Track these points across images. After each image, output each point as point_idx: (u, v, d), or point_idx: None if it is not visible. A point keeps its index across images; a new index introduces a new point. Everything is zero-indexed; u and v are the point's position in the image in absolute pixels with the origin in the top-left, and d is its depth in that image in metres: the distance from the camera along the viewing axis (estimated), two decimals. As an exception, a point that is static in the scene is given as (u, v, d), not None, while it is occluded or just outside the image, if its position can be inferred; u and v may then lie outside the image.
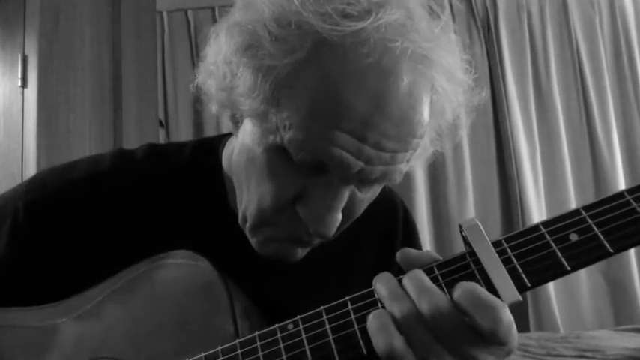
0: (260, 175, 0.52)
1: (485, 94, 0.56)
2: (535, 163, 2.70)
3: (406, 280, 0.43)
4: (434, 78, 0.48)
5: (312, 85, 0.45)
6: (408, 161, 0.51)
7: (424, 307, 0.40)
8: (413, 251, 0.46)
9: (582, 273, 2.58)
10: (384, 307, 0.43)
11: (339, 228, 0.52)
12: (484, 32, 2.81)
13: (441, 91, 0.50)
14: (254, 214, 0.53)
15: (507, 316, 0.39)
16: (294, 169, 0.49)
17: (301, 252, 0.56)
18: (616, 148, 2.68)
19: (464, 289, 0.40)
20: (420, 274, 0.43)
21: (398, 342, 0.40)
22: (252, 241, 0.56)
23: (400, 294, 0.42)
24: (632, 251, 2.56)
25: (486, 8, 2.82)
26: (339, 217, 0.51)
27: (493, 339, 0.39)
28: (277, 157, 0.49)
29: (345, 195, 0.50)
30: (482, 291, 0.40)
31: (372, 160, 0.47)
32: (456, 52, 0.52)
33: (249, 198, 0.54)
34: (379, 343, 0.40)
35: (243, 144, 0.54)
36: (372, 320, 0.42)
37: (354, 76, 0.45)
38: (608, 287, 2.58)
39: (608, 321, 2.52)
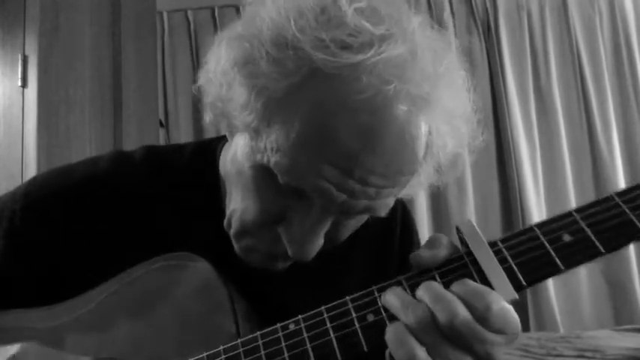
0: (245, 189, 0.52)
1: (488, 135, 0.55)
2: (535, 163, 2.70)
3: (420, 290, 0.43)
4: (430, 119, 0.47)
5: (303, 112, 0.44)
6: (395, 195, 0.50)
7: (440, 314, 0.40)
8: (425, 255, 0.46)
9: (582, 273, 2.58)
10: (384, 307, 0.44)
11: (322, 249, 0.52)
12: (484, 32, 2.81)
13: (437, 132, 0.49)
14: (237, 223, 0.54)
15: (499, 302, 0.40)
16: (279, 190, 0.49)
17: (282, 264, 0.56)
18: (616, 148, 2.68)
19: (457, 283, 0.42)
20: (433, 283, 0.43)
21: (420, 352, 0.40)
22: (235, 246, 0.56)
23: (413, 302, 0.42)
24: (632, 252, 2.56)
25: (486, 8, 2.81)
26: (320, 241, 0.50)
27: (488, 325, 0.40)
28: (263, 176, 0.49)
29: (327, 222, 0.50)
30: (472, 282, 0.42)
31: (356, 194, 0.46)
32: (462, 90, 0.50)
33: (235, 207, 0.54)
34: (400, 355, 0.41)
35: (234, 155, 0.54)
36: (390, 333, 0.42)
37: (345, 110, 0.43)
38: (608, 287, 2.58)
39: (608, 321, 2.52)
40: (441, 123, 0.48)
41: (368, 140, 0.44)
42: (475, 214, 2.66)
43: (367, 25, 0.44)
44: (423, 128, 0.47)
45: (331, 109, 0.44)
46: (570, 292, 2.56)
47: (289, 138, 0.45)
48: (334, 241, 0.54)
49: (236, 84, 0.48)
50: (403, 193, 0.54)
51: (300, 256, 0.50)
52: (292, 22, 0.45)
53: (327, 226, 0.50)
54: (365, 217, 0.55)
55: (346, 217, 0.51)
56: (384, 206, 0.50)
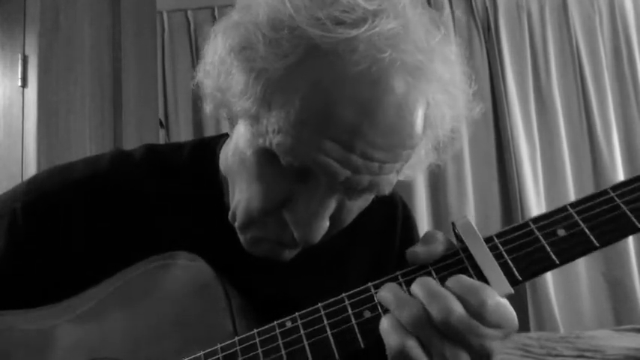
0: (249, 177, 0.52)
1: (484, 106, 0.56)
2: (535, 163, 2.70)
3: (415, 286, 0.43)
4: (427, 90, 0.48)
5: (302, 90, 0.45)
6: (398, 172, 0.51)
7: (434, 311, 0.40)
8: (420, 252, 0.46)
9: (582, 273, 2.58)
10: (380, 303, 0.44)
11: (327, 234, 0.52)
12: (484, 32, 2.81)
13: (435, 103, 0.49)
14: (243, 213, 0.53)
15: (494, 298, 0.40)
16: (283, 173, 0.49)
17: (289, 253, 0.56)
18: (616, 147, 2.68)
19: (452, 279, 0.42)
20: (427, 279, 0.43)
21: (410, 341, 0.40)
22: (241, 238, 0.56)
23: (407, 298, 0.43)
24: (632, 251, 2.56)
25: (486, 8, 2.82)
26: (326, 224, 0.51)
27: (483, 320, 0.40)
28: (266, 160, 0.49)
29: (332, 203, 0.50)
30: (467, 278, 0.42)
31: (360, 169, 0.47)
32: (456, 64, 0.51)
33: (240, 198, 0.54)
34: (391, 341, 0.41)
35: (236, 145, 0.54)
36: (384, 321, 0.42)
37: (343, 84, 0.44)
38: (608, 287, 2.58)
39: (608, 321, 2.52)
40: (437, 93, 0.49)
41: (367, 112, 0.44)
42: (475, 214, 2.66)
43: (360, 1, 0.45)
44: (421, 100, 0.47)
45: (329, 85, 0.44)
46: (570, 292, 2.56)
47: (290, 117, 0.46)
48: (338, 225, 0.54)
49: (234, 70, 0.49)
50: (405, 174, 0.55)
51: (307, 239, 0.50)
52: (287, 4, 0.46)
53: (332, 206, 0.50)
54: (369, 200, 0.55)
55: (351, 195, 0.51)
56: (387, 183, 0.50)
